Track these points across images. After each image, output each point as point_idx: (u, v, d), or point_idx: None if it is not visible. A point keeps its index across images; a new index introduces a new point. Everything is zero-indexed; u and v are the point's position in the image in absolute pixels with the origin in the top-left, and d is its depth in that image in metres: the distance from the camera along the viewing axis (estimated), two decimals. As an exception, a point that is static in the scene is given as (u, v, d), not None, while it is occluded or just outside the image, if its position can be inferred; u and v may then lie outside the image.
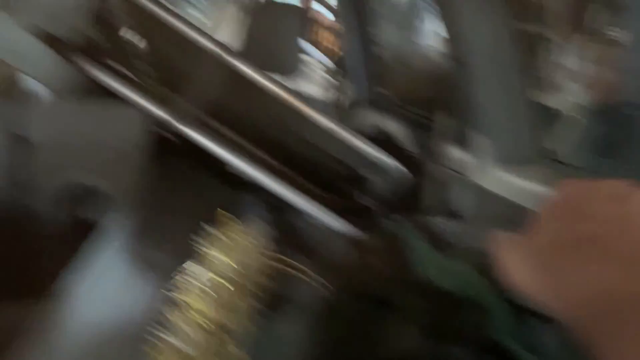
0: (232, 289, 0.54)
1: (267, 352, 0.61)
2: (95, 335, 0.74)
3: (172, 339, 0.46)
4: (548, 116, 1.10)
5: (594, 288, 0.25)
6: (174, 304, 0.60)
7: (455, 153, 1.07)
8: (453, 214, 1.00)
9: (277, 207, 1.16)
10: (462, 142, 1.04)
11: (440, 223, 0.85)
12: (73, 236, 1.13)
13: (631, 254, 0.25)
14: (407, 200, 1.09)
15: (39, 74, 0.84)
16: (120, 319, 0.80)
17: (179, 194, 1.16)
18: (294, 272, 0.73)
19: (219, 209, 1.24)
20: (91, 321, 0.76)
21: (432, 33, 3.26)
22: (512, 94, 0.93)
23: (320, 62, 2.94)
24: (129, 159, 1.06)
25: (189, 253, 1.04)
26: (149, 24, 1.12)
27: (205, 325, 0.47)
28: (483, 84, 0.96)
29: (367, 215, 1.04)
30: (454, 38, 1.02)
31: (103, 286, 0.82)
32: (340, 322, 0.64)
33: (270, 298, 0.65)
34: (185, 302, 0.51)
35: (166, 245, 0.99)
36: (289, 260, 0.71)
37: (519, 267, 0.31)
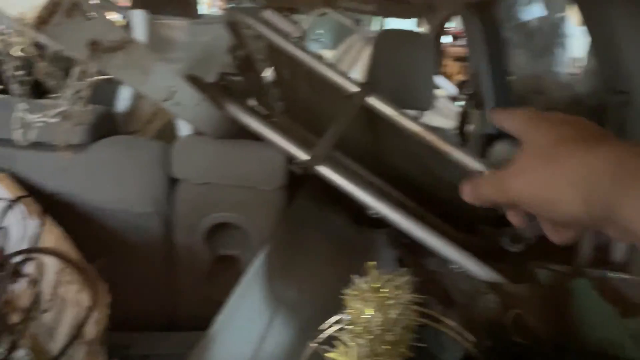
0: (376, 342, 0.51)
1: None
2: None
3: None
4: None
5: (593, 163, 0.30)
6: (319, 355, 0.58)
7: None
8: (625, 267, 0.88)
9: (415, 250, 1.12)
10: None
11: (619, 278, 0.75)
12: (215, 271, 1.18)
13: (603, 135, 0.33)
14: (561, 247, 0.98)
15: (191, 117, 0.89)
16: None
17: (316, 234, 1.16)
18: (437, 325, 0.68)
19: (360, 256, 1.22)
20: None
21: (572, 60, 3.03)
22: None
23: (449, 93, 2.87)
24: (270, 198, 1.09)
25: (328, 297, 1.03)
26: (288, 67, 1.16)
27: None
28: None
29: (515, 262, 0.95)
30: (612, 65, 0.91)
31: (248, 328, 0.83)
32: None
33: (414, 353, 0.60)
34: (331, 358, 0.49)
35: (304, 287, 0.99)
36: (432, 312, 0.66)
37: (523, 173, 0.35)
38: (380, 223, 1.39)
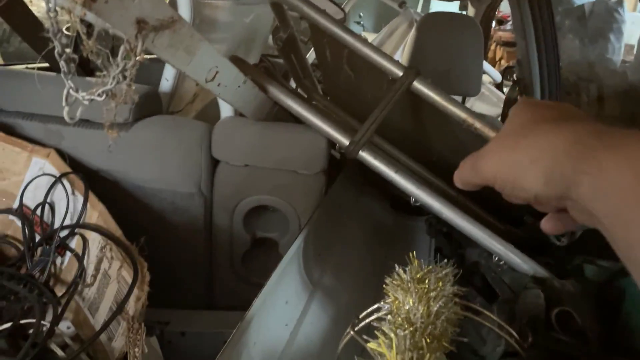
0: (418, 335, 0.50)
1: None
2: (273, 358, 0.75)
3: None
4: None
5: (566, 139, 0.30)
6: (356, 344, 0.57)
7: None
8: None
9: (455, 240, 1.09)
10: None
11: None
12: (252, 253, 1.18)
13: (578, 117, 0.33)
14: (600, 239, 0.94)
15: (233, 99, 0.88)
16: (298, 345, 0.80)
17: (353, 220, 1.15)
18: (479, 319, 0.66)
19: (398, 244, 1.20)
20: (270, 345, 0.77)
21: (628, 47, 2.89)
22: None
23: (494, 80, 2.79)
24: (309, 182, 1.08)
25: (364, 284, 1.02)
26: (331, 49, 1.14)
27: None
28: None
29: (561, 257, 0.92)
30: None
31: (285, 311, 0.83)
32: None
33: (455, 347, 0.58)
34: (372, 349, 0.48)
35: (341, 273, 0.98)
36: (474, 306, 0.64)
37: (502, 150, 0.36)
38: (419, 211, 1.36)
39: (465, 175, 0.41)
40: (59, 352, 0.73)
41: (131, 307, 0.76)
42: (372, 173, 1.06)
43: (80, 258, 0.86)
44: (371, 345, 0.48)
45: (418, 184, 0.96)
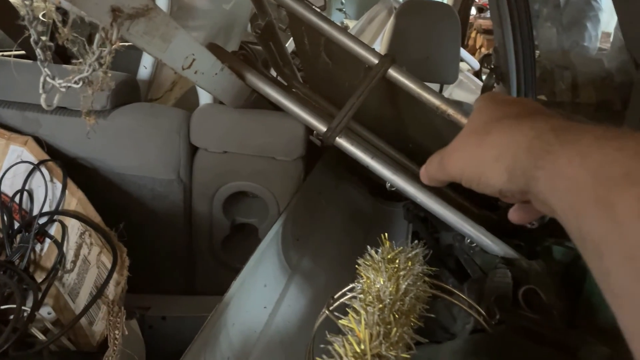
0: (386, 311, 0.52)
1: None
2: (252, 343, 0.77)
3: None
4: None
5: (527, 135, 0.31)
6: (331, 323, 0.60)
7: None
8: None
9: (431, 224, 1.12)
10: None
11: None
12: (232, 239, 1.20)
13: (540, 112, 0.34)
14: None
15: (211, 86, 0.89)
16: (276, 326, 0.83)
17: (332, 205, 1.17)
18: (450, 298, 0.69)
19: (376, 228, 1.22)
20: (248, 326, 0.79)
21: (604, 35, 2.94)
22: None
23: (473, 68, 2.82)
24: (288, 168, 1.09)
25: (342, 267, 1.04)
26: (309, 37, 1.15)
27: (362, 354, 0.45)
28: None
29: (532, 239, 0.95)
30: (637, 37, 0.89)
31: (263, 293, 0.85)
32: (504, 352, 0.59)
33: (425, 325, 0.61)
34: (343, 325, 0.50)
35: (319, 257, 1.00)
36: (445, 285, 0.67)
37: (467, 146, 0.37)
38: (397, 196, 1.39)
39: (433, 172, 0.42)
40: (40, 337, 0.74)
41: (111, 291, 0.78)
42: (351, 159, 1.08)
43: (59, 244, 0.87)
44: (342, 321, 0.50)
45: (394, 169, 0.98)
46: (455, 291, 0.69)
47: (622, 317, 0.23)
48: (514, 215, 0.42)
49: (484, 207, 1.15)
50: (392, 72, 0.99)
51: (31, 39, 0.60)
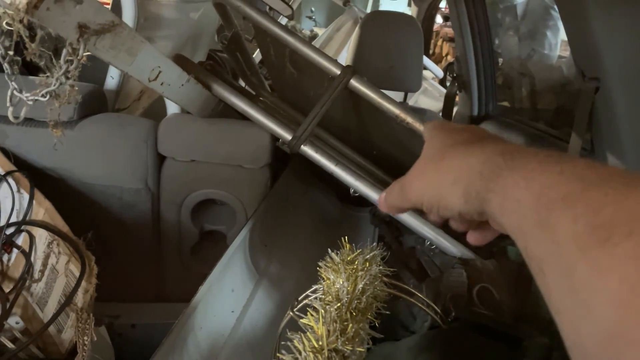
0: (344, 309, 0.55)
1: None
2: (219, 346, 0.79)
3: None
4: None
5: (481, 159, 0.33)
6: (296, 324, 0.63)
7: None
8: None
9: (395, 228, 1.16)
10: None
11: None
12: (200, 246, 1.22)
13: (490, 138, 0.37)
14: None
15: (177, 97, 0.92)
16: (243, 329, 0.85)
17: (299, 211, 1.20)
18: (408, 297, 0.72)
19: (342, 233, 1.26)
20: (216, 329, 0.81)
21: (561, 44, 3.06)
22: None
23: (437, 76, 2.90)
24: (255, 176, 1.12)
25: (309, 271, 1.07)
26: (274, 47, 1.18)
27: (320, 349, 0.49)
28: (621, 99, 0.88)
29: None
30: (584, 51, 0.95)
31: (231, 298, 0.87)
32: (454, 353, 0.63)
33: (386, 324, 0.65)
34: (304, 323, 0.53)
35: (286, 262, 1.03)
36: (403, 285, 0.71)
37: (421, 177, 0.39)
38: (364, 201, 1.43)
39: (393, 200, 0.43)
40: (10, 345, 0.75)
41: (79, 299, 0.79)
42: (318, 166, 1.11)
43: (27, 254, 0.88)
44: (303, 320, 0.53)
45: (357, 175, 1.02)
46: (413, 290, 0.72)
47: (563, 331, 0.24)
48: (472, 238, 0.43)
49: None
50: (354, 83, 1.02)
51: (-2, 53, 0.62)
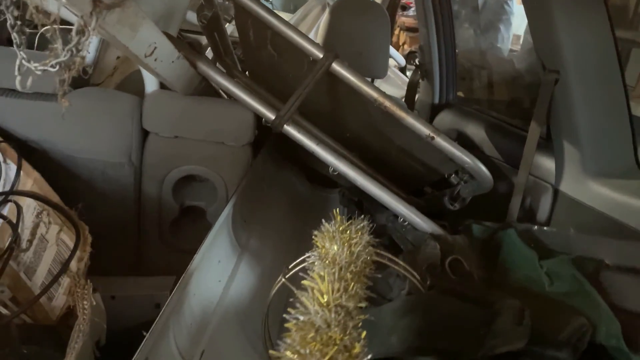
0: (343, 271, 0.61)
1: (372, 336, 0.67)
2: (208, 318, 0.84)
3: (300, 316, 0.52)
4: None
5: None
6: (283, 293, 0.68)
7: (540, 160, 1.08)
8: (538, 222, 1.03)
9: (364, 208, 1.23)
10: (548, 149, 1.06)
11: (539, 229, 0.88)
12: (181, 221, 1.25)
13: None
14: (487, 206, 1.11)
15: (167, 73, 0.94)
16: (229, 301, 0.90)
17: (276, 191, 1.25)
18: (391, 265, 0.79)
19: (315, 212, 1.31)
20: (205, 306, 0.85)
21: (515, 37, 3.20)
22: (611, 102, 0.94)
23: (399, 64, 2.97)
24: (237, 154, 1.15)
25: (286, 247, 1.12)
26: (254, 29, 1.21)
27: (327, 304, 0.54)
28: (578, 91, 0.95)
29: (454, 219, 1.08)
30: (546, 44, 1.02)
31: (218, 270, 0.91)
32: (435, 315, 0.70)
33: (373, 288, 0.71)
34: (305, 285, 0.58)
35: (266, 237, 1.08)
36: (388, 255, 0.77)
37: None
38: (333, 183, 1.49)
39: None
40: (4, 311, 0.76)
41: (74, 266, 0.81)
42: (290, 149, 1.15)
43: (13, 225, 0.88)
44: (305, 282, 0.59)
45: (336, 155, 1.07)
46: (396, 259, 0.79)
47: None
48: None
49: (410, 194, 1.27)
50: (336, 66, 1.07)
51: (7, 24, 0.63)
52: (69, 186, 1.08)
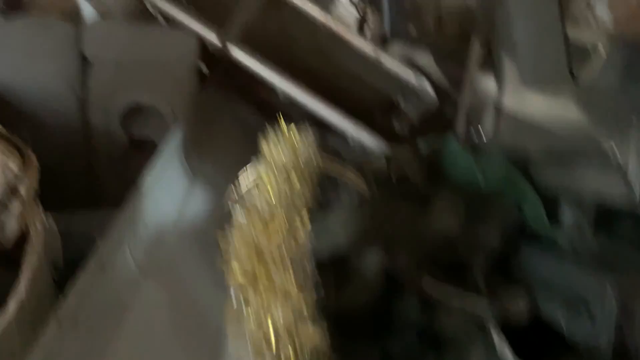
0: (291, 175, 0.64)
1: (320, 234, 0.71)
2: (163, 235, 0.86)
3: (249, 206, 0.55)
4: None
5: None
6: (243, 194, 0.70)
7: (483, 79, 1.12)
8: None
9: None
10: (490, 67, 1.10)
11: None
12: (130, 152, 1.23)
13: None
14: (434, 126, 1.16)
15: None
16: (185, 221, 0.92)
17: (226, 118, 1.25)
18: (339, 172, 0.82)
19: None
20: (160, 224, 0.87)
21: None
22: (543, 11, 0.98)
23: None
24: (183, 79, 1.14)
25: (238, 172, 1.14)
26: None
27: (274, 200, 0.57)
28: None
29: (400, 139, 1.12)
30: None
31: (167, 195, 0.92)
32: (382, 208, 0.75)
33: (320, 192, 0.74)
34: (255, 185, 0.61)
35: (219, 163, 1.09)
36: (334, 162, 0.80)
37: None
38: (284, 114, 1.49)
39: None
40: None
41: (23, 191, 0.80)
42: (238, 78, 1.14)
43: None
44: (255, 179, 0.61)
45: (287, 79, 1.08)
46: (346, 166, 0.82)
47: None
48: None
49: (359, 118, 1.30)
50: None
51: None
52: (11, 119, 1.05)
